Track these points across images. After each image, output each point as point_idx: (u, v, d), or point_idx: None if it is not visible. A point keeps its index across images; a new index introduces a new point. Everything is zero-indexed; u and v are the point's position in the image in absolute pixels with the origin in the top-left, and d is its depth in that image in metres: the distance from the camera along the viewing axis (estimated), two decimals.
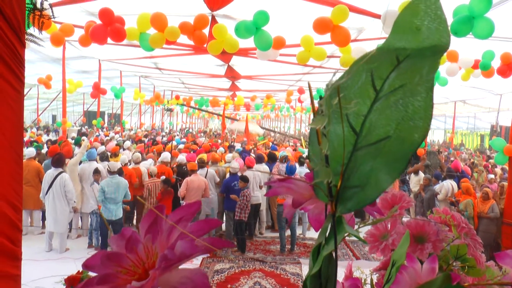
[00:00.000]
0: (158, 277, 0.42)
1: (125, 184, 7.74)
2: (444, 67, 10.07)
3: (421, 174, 10.40)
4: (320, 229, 0.56)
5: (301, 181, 0.53)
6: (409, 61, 0.40)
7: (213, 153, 10.66)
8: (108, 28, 7.27)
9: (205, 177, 8.58)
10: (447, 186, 8.89)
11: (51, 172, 7.71)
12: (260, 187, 8.98)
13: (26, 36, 1.64)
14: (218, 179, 9.06)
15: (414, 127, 0.39)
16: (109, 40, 7.68)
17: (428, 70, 0.39)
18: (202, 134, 28.56)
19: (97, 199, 7.50)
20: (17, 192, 1.64)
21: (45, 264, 7.07)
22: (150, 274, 0.42)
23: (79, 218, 8.85)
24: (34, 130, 21.09)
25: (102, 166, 8.73)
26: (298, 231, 9.20)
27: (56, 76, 14.53)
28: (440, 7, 0.39)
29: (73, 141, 12.54)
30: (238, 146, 16.02)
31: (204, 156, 9.87)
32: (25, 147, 9.60)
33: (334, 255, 0.50)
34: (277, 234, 9.02)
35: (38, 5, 1.79)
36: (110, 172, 7.71)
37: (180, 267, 0.45)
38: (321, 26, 7.11)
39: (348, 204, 0.43)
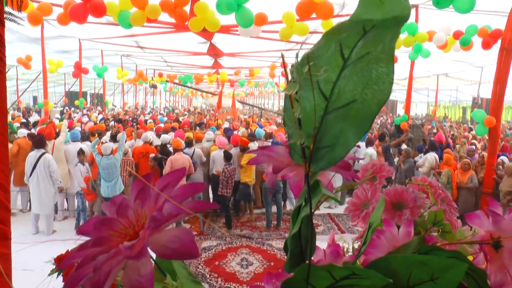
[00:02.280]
0: (148, 236, 0.45)
1: (117, 162, 7.86)
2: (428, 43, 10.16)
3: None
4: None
5: (280, 146, 0.57)
6: (374, 31, 0.43)
7: (197, 132, 10.66)
8: (88, 4, 7.14)
9: (192, 156, 8.59)
10: (430, 158, 9.02)
11: (34, 153, 7.66)
12: None
13: (5, 15, 1.63)
14: (204, 159, 9.09)
15: (378, 90, 0.43)
16: (89, 19, 7.56)
17: (390, 39, 0.43)
18: (186, 112, 28.40)
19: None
20: (4, 173, 1.66)
21: (33, 246, 7.07)
22: (141, 234, 0.46)
23: (65, 199, 8.83)
24: (15, 112, 20.76)
25: (85, 146, 8.73)
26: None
27: (35, 56, 14.26)
28: None
29: (57, 121, 12.42)
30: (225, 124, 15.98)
31: (190, 135, 9.87)
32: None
33: (309, 219, 0.54)
34: (262, 210, 9.13)
35: None
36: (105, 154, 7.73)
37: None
38: (304, 8, 7.14)
39: (321, 163, 0.47)
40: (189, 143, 8.93)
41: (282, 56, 0.45)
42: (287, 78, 0.44)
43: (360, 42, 0.43)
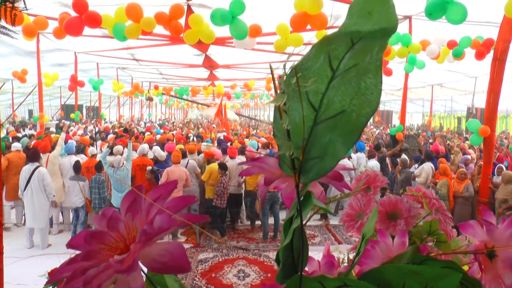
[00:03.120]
0: (138, 250, 0.45)
1: (129, 173, 7.97)
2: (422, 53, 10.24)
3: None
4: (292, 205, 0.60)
5: (272, 158, 0.57)
6: (362, 42, 0.43)
7: (189, 144, 10.63)
8: (83, 15, 7.16)
9: (186, 167, 8.59)
10: (427, 168, 9.01)
11: (28, 167, 7.62)
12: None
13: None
14: (199, 169, 9.09)
15: (366, 101, 0.43)
16: (84, 32, 7.59)
17: (378, 50, 0.43)
18: (181, 125, 28.39)
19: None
20: None
21: (27, 260, 7.01)
22: (131, 248, 0.45)
23: (60, 213, 8.77)
24: (9, 126, 20.68)
25: (80, 159, 8.73)
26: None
27: (31, 69, 14.26)
28: None
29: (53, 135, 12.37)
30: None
31: (182, 146, 9.88)
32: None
33: (302, 230, 0.54)
34: (258, 222, 9.11)
35: None
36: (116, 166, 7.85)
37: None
38: (298, 20, 7.20)
39: (310, 174, 0.47)
40: (183, 154, 8.92)
41: (271, 67, 0.45)
42: (275, 89, 0.44)
43: (349, 54, 0.44)
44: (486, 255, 0.72)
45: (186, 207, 0.50)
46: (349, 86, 0.44)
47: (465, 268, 0.87)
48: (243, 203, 9.41)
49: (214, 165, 8.53)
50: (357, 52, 0.44)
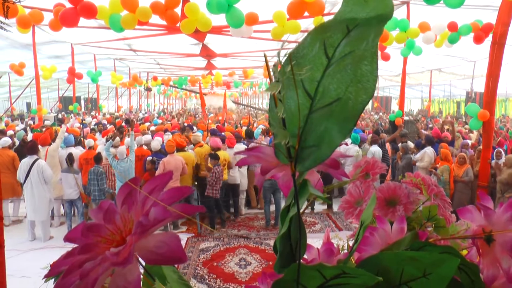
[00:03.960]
0: (135, 242, 0.45)
1: (133, 164, 8.01)
2: (419, 37, 10.18)
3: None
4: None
5: (268, 147, 0.56)
6: (357, 29, 0.43)
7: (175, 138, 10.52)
8: (78, 6, 7.11)
9: None
10: (430, 153, 8.97)
11: (27, 160, 7.60)
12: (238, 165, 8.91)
13: None
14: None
15: (362, 88, 0.43)
16: (80, 23, 7.53)
17: (374, 37, 0.42)
18: (178, 114, 28.35)
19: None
20: None
21: (29, 253, 7.04)
22: (127, 240, 0.45)
23: (61, 205, 8.78)
24: (8, 119, 20.64)
25: (79, 151, 8.75)
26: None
27: (28, 62, 14.19)
28: None
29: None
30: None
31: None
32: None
33: (299, 218, 0.54)
34: (259, 211, 9.13)
35: None
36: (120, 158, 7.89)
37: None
38: (295, 7, 7.16)
39: (306, 163, 0.47)
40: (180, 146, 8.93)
41: (265, 56, 0.45)
42: (270, 78, 0.43)
43: (344, 41, 0.43)
44: (484, 239, 0.72)
45: (182, 198, 0.50)
46: (345, 73, 0.43)
47: (464, 252, 0.87)
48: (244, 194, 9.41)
49: (224, 152, 8.59)
50: (353, 39, 0.43)
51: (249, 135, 10.74)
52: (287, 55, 0.44)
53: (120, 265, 0.43)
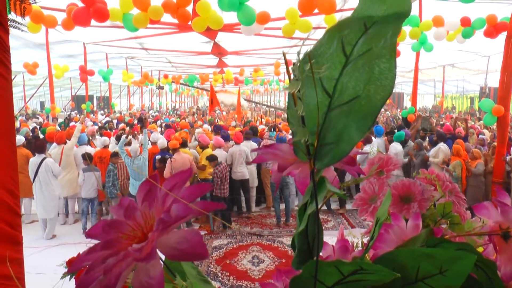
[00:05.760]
0: (156, 238, 0.46)
1: (146, 161, 8.06)
2: (431, 32, 10.09)
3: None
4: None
5: (285, 144, 0.57)
6: (375, 27, 0.43)
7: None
8: (91, 9, 7.18)
9: None
10: (444, 149, 8.87)
11: (35, 159, 7.69)
12: (247, 163, 8.93)
13: (9, 22, 1.64)
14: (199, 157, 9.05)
15: (380, 86, 0.43)
16: (92, 22, 7.60)
17: (392, 34, 0.43)
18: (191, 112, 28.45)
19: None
20: (13, 179, 1.67)
21: (45, 250, 7.14)
22: (149, 236, 0.46)
23: (75, 202, 8.87)
24: (23, 118, 20.89)
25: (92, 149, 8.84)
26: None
27: (41, 61, 14.34)
28: None
29: (59, 127, 12.48)
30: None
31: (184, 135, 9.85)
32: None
33: (316, 215, 0.54)
34: (272, 209, 9.13)
35: None
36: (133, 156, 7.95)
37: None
38: (306, 4, 7.14)
39: (325, 160, 0.47)
40: (184, 143, 8.96)
41: (284, 55, 0.45)
42: (289, 76, 0.44)
43: (362, 39, 0.43)
44: (501, 236, 0.72)
45: (202, 195, 0.51)
46: (363, 71, 0.44)
47: (480, 249, 0.87)
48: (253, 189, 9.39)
49: (209, 151, 8.56)
50: (371, 37, 0.43)
51: (254, 131, 10.68)
52: (305, 54, 0.45)
53: (143, 260, 0.44)
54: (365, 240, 1.13)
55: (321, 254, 0.85)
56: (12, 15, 2.16)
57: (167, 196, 0.51)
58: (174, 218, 0.47)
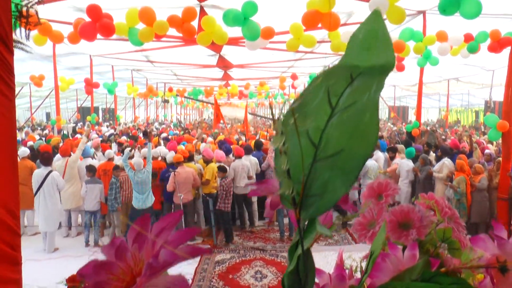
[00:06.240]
0: (144, 283, 0.46)
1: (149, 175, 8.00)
2: (435, 47, 10.11)
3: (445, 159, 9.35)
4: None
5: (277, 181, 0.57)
6: (360, 79, 0.44)
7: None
8: (97, 24, 7.26)
9: None
10: (449, 164, 8.80)
11: (41, 171, 7.69)
12: (249, 178, 8.85)
13: (14, 44, 1.66)
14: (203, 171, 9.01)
15: (363, 141, 0.43)
16: (99, 35, 7.68)
17: (375, 89, 0.43)
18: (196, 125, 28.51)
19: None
20: (14, 199, 1.68)
21: (46, 263, 7.13)
22: (137, 281, 0.46)
23: (78, 215, 8.87)
24: (29, 129, 20.99)
25: (96, 161, 8.85)
26: None
27: (48, 73, 14.46)
28: (385, 28, 0.43)
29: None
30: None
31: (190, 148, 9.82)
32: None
33: (308, 254, 0.54)
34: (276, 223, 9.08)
35: (24, 12, 1.80)
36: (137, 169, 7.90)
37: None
38: (310, 18, 7.17)
39: (310, 211, 0.48)
40: (190, 156, 8.95)
41: (270, 105, 0.46)
42: (276, 130, 0.45)
43: (347, 90, 0.44)
44: (498, 269, 0.72)
45: (189, 239, 0.51)
46: (348, 125, 0.44)
47: (480, 277, 0.87)
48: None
49: (214, 165, 8.54)
50: (356, 89, 0.44)
51: (259, 146, 10.58)
52: (290, 109, 0.45)
53: None
54: (364, 265, 1.13)
55: (317, 281, 0.85)
56: (17, 33, 2.18)
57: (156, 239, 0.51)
58: (162, 264, 0.47)
